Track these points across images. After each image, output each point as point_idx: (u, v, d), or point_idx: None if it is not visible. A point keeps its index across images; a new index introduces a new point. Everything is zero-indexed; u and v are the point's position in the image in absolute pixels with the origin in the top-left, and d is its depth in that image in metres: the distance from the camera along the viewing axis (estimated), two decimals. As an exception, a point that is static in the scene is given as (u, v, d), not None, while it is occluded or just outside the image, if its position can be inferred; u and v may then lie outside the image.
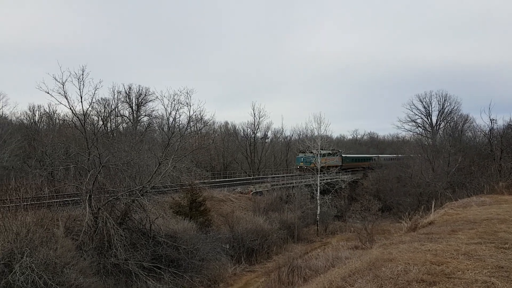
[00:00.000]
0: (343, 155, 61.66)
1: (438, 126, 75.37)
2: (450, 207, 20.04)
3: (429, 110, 75.80)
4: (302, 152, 55.46)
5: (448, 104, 73.74)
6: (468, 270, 7.44)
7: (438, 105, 74.66)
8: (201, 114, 51.61)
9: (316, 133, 41.89)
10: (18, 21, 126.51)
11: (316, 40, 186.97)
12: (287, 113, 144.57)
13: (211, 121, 64.55)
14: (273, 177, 45.78)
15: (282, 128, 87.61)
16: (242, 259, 24.62)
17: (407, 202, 42.54)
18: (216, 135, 69.20)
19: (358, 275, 8.55)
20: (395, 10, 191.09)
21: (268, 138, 75.26)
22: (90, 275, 15.06)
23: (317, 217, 37.33)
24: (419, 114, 76.50)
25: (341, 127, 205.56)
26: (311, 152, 53.56)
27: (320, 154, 39.48)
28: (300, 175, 50.92)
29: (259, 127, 68.59)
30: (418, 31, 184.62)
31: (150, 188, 20.42)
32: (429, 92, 79.57)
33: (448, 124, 73.42)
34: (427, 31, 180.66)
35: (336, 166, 54.44)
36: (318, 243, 32.68)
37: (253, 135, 68.24)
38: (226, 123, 77.86)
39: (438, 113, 74.96)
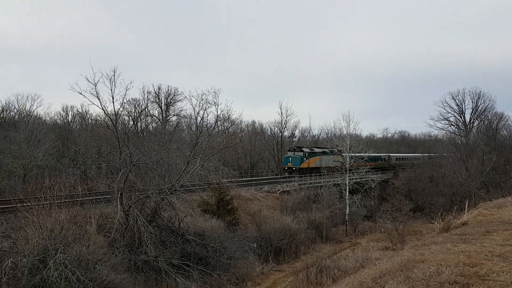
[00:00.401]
0: (343, 154, 57.84)
1: (471, 125, 73.21)
2: (484, 208, 19.41)
3: (462, 108, 73.74)
4: (291, 151, 51.27)
5: (482, 101, 71.53)
6: (503, 272, 7.19)
7: (471, 103, 72.51)
8: (229, 114, 51.73)
9: (345, 132, 41.34)
10: (49, 23, 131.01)
11: (341, 37, 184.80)
12: (315, 111, 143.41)
13: (238, 120, 64.98)
14: (301, 176, 45.41)
15: (309, 126, 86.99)
16: (270, 258, 24.59)
17: (440, 202, 41.57)
18: (243, 134, 69.51)
19: (389, 276, 8.43)
20: (411, 7, 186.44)
21: (295, 137, 75.03)
22: (121, 271, 15.35)
23: (346, 217, 36.85)
24: (452, 112, 74.43)
25: (370, 125, 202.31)
26: (301, 151, 50.03)
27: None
28: (286, 176, 47.68)
29: (287, 126, 68.47)
30: (447, 26, 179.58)
31: (179, 187, 20.66)
32: (462, 89, 77.53)
33: (482, 122, 71.32)
34: (458, 22, 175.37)
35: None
36: (347, 244, 32.26)
37: (280, 134, 68.15)
38: (253, 122, 78.18)
39: (472, 111, 72.82)
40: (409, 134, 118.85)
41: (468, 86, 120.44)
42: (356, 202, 38.62)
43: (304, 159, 49.65)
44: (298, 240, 27.52)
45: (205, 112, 24.27)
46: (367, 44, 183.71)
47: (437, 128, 77.92)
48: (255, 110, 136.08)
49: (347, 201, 37.20)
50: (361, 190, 40.43)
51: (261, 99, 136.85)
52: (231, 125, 59.12)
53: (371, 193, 46.09)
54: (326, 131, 77.67)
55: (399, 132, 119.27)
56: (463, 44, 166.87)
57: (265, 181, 43.71)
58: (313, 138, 77.10)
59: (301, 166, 49.39)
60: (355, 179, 40.09)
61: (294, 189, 39.16)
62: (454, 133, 74.87)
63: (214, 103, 23.58)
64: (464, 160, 45.54)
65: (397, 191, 53.74)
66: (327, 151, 52.63)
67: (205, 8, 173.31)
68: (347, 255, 26.09)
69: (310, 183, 41.88)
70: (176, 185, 20.49)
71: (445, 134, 78.53)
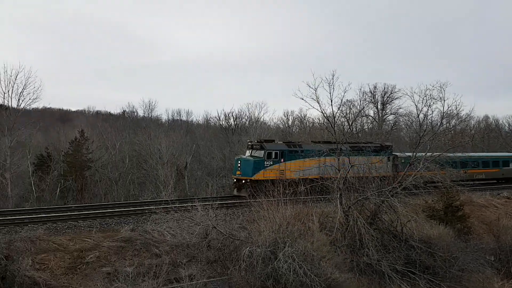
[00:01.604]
0: (396, 154, 32.72)
1: None
2: None
3: None
4: (248, 148, 28.02)
5: None
6: None
7: None
8: (458, 109, 46.11)
9: None
10: (271, 36, 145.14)
11: None
12: None
13: (468, 116, 57.63)
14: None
15: None
16: (512, 274, 20.86)
17: None
18: (474, 131, 61.48)
19: None
20: None
21: (544, 132, 61.90)
22: (345, 271, 15.53)
23: None
24: None
25: None
26: (262, 148, 26.86)
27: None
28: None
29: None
30: None
31: (400, 189, 19.68)
32: None
33: None
34: None
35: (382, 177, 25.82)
36: None
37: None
38: (486, 117, 68.53)
39: None
40: None
41: None
42: None
43: (267, 164, 26.69)
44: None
45: (429, 108, 22.37)
46: None
47: None
48: (490, 103, 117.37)
49: None
50: None
51: (497, 90, 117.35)
52: (460, 122, 52.94)
53: None
54: None
55: None
56: None
57: (507, 184, 37.40)
58: None
59: (256, 177, 25.78)
60: None
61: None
62: None
63: (440, 98, 21.55)
64: None
65: None
66: (361, 148, 27.89)
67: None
68: None
69: None
70: (397, 187, 19.60)
71: None
